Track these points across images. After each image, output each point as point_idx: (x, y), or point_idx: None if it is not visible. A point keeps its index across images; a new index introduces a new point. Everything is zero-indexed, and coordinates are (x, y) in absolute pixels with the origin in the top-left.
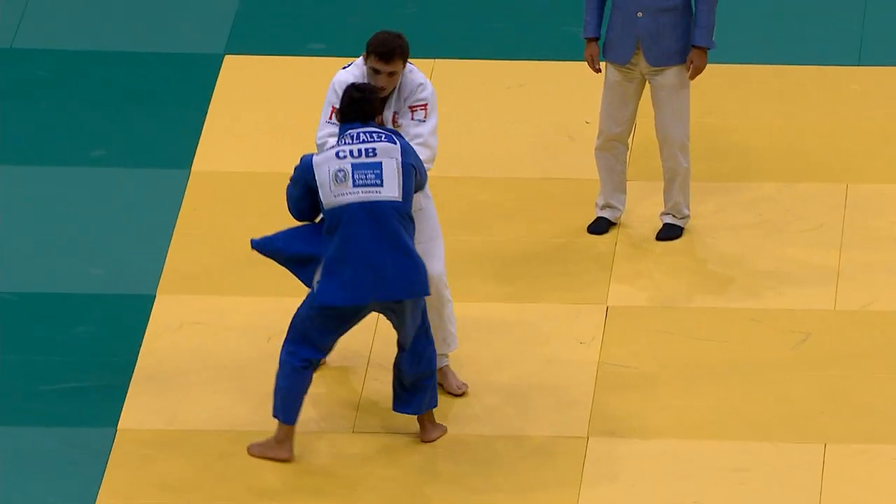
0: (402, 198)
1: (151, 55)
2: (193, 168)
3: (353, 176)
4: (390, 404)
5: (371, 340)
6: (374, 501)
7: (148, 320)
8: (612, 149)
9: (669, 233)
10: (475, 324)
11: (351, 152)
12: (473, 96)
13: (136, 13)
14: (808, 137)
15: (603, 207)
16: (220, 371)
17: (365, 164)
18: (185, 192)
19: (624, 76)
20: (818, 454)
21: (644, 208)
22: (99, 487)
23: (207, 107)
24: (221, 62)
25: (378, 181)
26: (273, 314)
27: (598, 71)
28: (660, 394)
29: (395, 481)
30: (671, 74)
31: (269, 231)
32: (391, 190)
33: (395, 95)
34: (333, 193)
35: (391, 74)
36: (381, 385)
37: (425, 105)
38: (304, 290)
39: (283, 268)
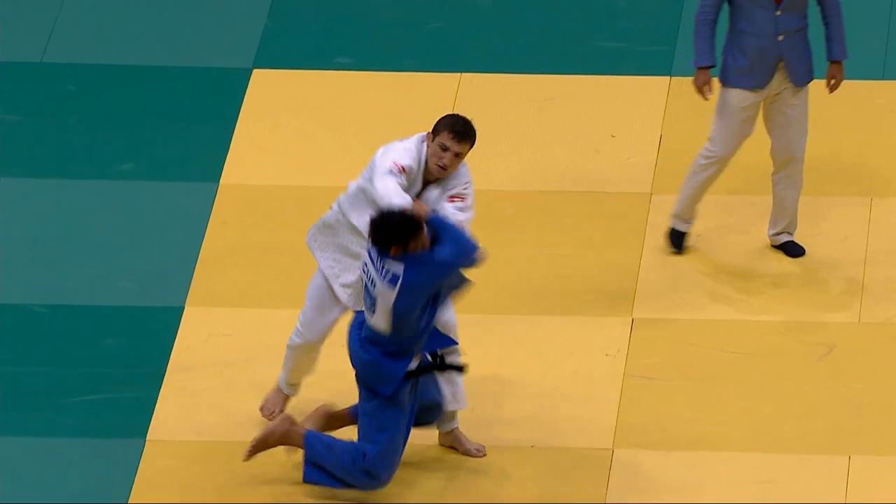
0: (391, 332)
1: (180, 69)
2: (222, 181)
3: (363, 288)
4: None
5: None
6: None
7: (176, 333)
8: (719, 171)
9: (795, 250)
10: (500, 337)
11: (364, 267)
12: (500, 110)
13: (164, 28)
14: (833, 151)
15: (685, 221)
16: (248, 384)
17: (367, 289)
18: (214, 205)
19: (753, 102)
20: (843, 466)
21: (667, 221)
22: (128, 499)
23: (236, 120)
24: (250, 76)
25: (371, 309)
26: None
27: (707, 99)
28: (685, 406)
29: (413, 486)
30: (804, 93)
31: (297, 242)
32: (380, 323)
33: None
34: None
35: (457, 155)
36: None
37: (465, 198)
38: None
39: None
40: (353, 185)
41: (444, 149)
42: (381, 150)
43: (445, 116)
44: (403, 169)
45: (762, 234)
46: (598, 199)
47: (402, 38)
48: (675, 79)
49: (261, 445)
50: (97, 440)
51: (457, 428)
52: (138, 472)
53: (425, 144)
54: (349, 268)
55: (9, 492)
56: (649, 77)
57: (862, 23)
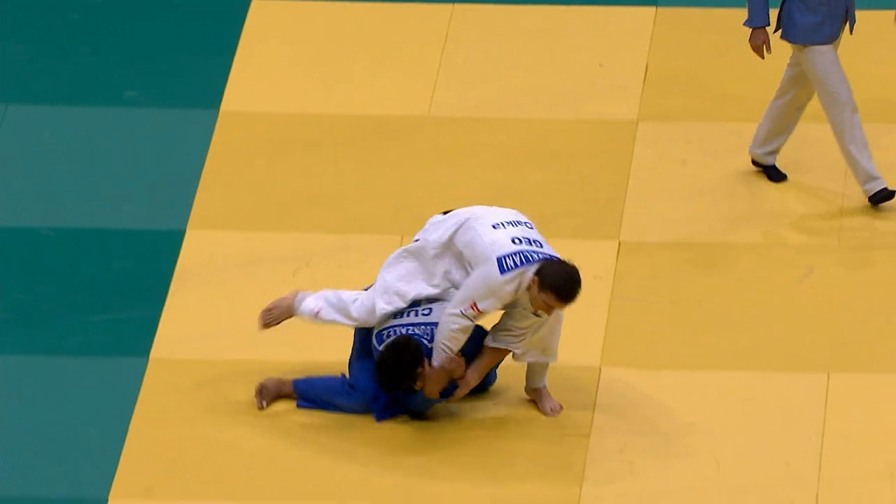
0: None
1: (177, 1)
2: (222, 108)
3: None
4: None
5: None
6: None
7: (178, 255)
8: (854, 109)
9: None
10: None
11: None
12: (492, 41)
13: None
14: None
15: (869, 180)
16: (248, 303)
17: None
18: (215, 132)
19: (831, 47)
20: (822, 383)
21: (657, 147)
22: (132, 414)
23: (236, 48)
24: (249, 5)
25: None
26: (299, 249)
27: (763, 58)
28: (671, 326)
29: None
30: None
31: (293, 167)
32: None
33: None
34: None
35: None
36: None
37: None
38: (330, 228)
39: (308, 204)
40: (436, 233)
41: (549, 306)
42: (482, 248)
43: (554, 268)
44: (479, 312)
45: (745, 160)
46: (586, 126)
47: None
48: (660, 9)
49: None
50: (101, 358)
51: (545, 387)
52: (142, 389)
53: (527, 280)
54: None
55: (14, 409)
56: (636, 7)
57: None
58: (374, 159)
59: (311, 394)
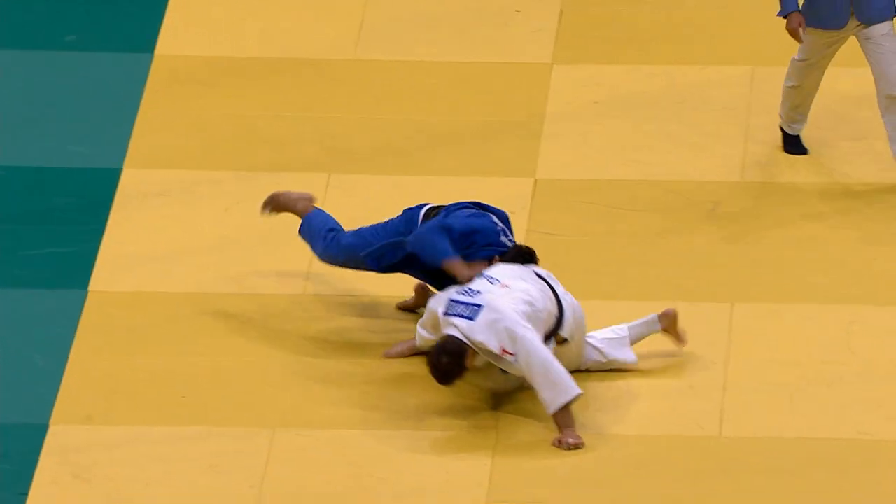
0: None
1: None
2: (157, 52)
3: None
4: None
5: None
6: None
7: (115, 192)
8: (808, 101)
9: None
10: (406, 197)
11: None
12: None
13: None
14: (719, 16)
15: (792, 124)
16: (182, 239)
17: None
18: (150, 74)
19: (830, 42)
20: (727, 313)
21: (570, 89)
22: (72, 344)
23: None
24: None
25: None
26: (232, 186)
27: (802, 41)
28: (583, 258)
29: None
30: (882, 27)
31: (228, 109)
32: None
33: None
34: None
35: None
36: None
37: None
38: (261, 166)
39: (240, 144)
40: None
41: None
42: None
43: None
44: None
45: (656, 100)
46: (504, 69)
47: None
48: None
49: (274, 202)
50: (42, 291)
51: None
52: (81, 320)
53: None
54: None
55: None
56: None
57: None
58: (303, 101)
59: (312, 225)
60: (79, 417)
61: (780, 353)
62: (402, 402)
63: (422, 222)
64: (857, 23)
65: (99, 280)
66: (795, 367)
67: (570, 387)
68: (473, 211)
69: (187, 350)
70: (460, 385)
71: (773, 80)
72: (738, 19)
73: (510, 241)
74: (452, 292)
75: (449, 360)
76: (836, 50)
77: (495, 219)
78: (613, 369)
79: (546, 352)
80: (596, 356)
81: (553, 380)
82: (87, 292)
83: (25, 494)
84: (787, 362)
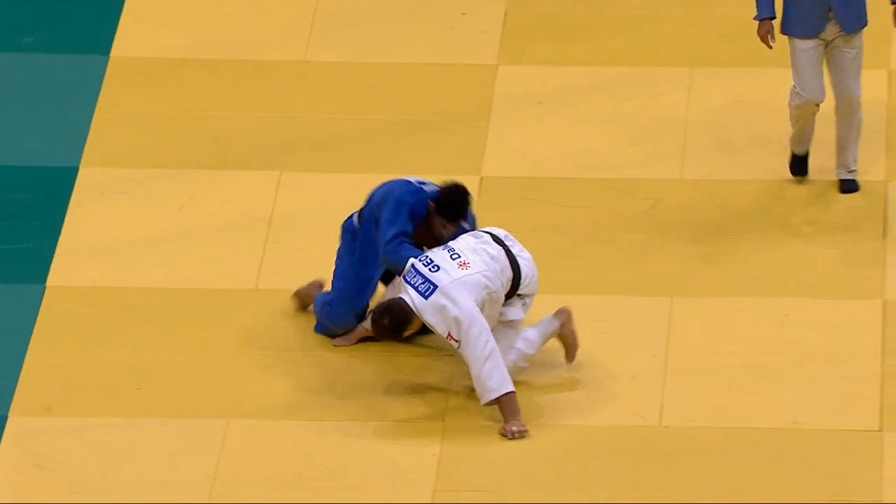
0: None
1: None
2: (112, 53)
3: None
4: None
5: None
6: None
7: (72, 190)
8: (812, 120)
9: (852, 186)
10: (355, 193)
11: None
12: None
13: None
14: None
15: (800, 145)
16: (138, 236)
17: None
18: (105, 76)
19: (812, 46)
20: (667, 306)
21: (515, 89)
22: (30, 338)
23: None
24: None
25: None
26: (185, 185)
27: (772, 46)
28: (532, 253)
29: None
30: (858, 38)
31: (183, 109)
32: None
33: None
34: None
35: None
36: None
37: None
38: (213, 165)
39: (193, 143)
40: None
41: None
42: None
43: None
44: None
45: (599, 100)
46: (451, 69)
47: None
48: None
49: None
50: (0, 285)
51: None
52: (39, 314)
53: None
54: None
55: None
56: None
57: None
58: (255, 101)
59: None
60: (38, 409)
61: (717, 345)
62: (353, 393)
63: (359, 221)
64: (838, 30)
65: (56, 275)
66: (733, 359)
67: (503, 384)
68: (391, 193)
69: (143, 343)
70: (409, 376)
71: (711, 81)
72: (677, 21)
73: (426, 185)
74: (418, 259)
75: (390, 323)
76: (821, 56)
77: (404, 184)
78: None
79: (488, 347)
80: (515, 356)
81: (489, 374)
82: (44, 287)
83: None
84: (724, 354)
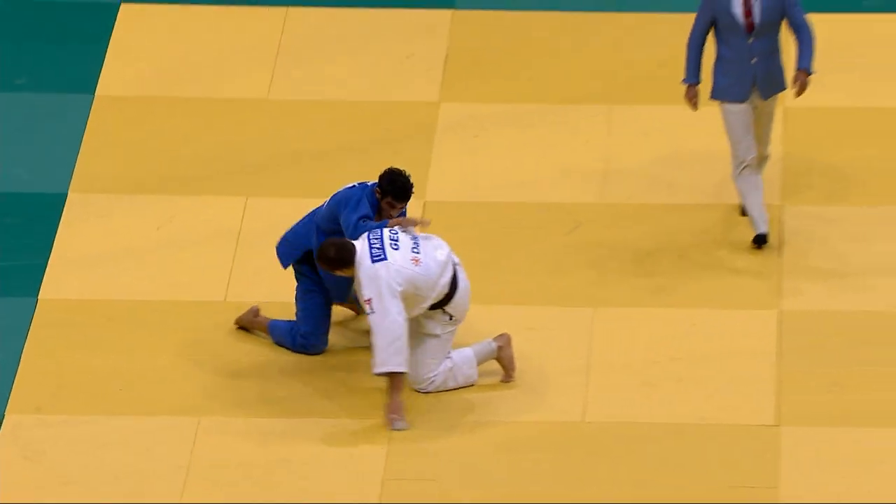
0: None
1: (55, 3)
2: (97, 92)
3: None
4: None
5: None
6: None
7: (62, 213)
8: (755, 173)
9: (762, 241)
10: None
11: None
12: (321, 38)
13: None
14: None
15: (759, 223)
16: (122, 254)
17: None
18: (91, 112)
19: (742, 108)
20: (589, 316)
21: (455, 124)
22: (24, 345)
23: (108, 41)
24: (119, 7)
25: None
26: (162, 208)
27: (696, 109)
28: (467, 268)
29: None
30: (773, 100)
31: (165, 141)
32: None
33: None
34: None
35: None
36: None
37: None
38: (186, 191)
39: (168, 171)
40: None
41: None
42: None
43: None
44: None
45: (529, 134)
46: (398, 106)
47: None
48: (456, 11)
49: (240, 323)
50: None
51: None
52: (31, 324)
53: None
54: None
55: None
56: (436, 10)
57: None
58: (224, 135)
59: (278, 333)
60: (30, 408)
61: (634, 350)
62: (312, 393)
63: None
64: (759, 96)
65: (48, 289)
66: (647, 362)
67: (400, 362)
68: (351, 191)
69: (124, 349)
70: (361, 379)
71: (627, 117)
72: (595, 64)
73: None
74: (390, 230)
75: (335, 254)
76: (751, 117)
77: (361, 184)
78: (458, 387)
79: (400, 327)
80: (447, 369)
81: (389, 350)
82: (37, 300)
83: None
84: (640, 358)
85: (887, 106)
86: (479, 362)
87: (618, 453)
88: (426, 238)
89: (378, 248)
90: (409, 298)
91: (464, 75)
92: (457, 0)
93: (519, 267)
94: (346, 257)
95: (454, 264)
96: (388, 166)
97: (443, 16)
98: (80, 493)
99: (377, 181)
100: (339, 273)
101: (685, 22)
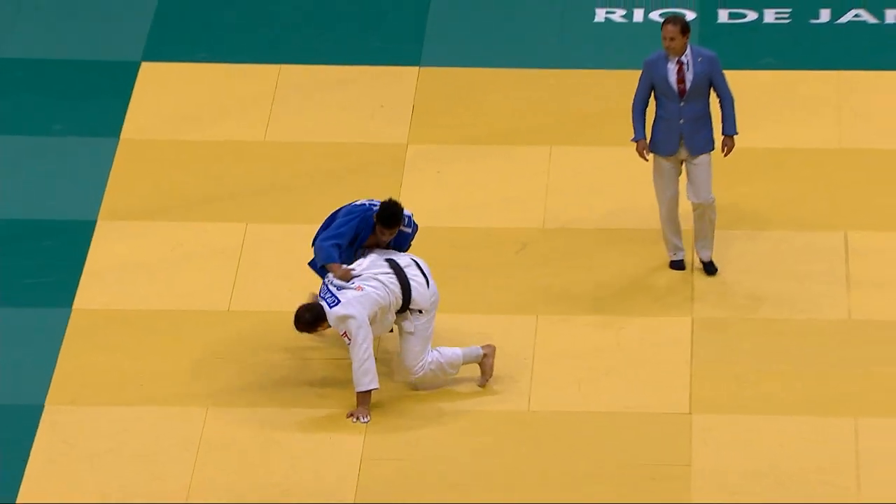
0: None
1: (87, 62)
2: (122, 136)
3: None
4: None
5: None
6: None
7: (92, 235)
8: (673, 214)
9: (709, 269)
10: (302, 239)
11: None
12: (308, 90)
13: (71, 28)
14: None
15: (676, 252)
16: (142, 271)
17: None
18: (116, 152)
19: (670, 162)
20: (533, 322)
21: (420, 163)
22: (60, 347)
23: (131, 93)
24: (139, 66)
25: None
26: (176, 233)
27: (647, 160)
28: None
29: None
30: (705, 157)
31: (171, 182)
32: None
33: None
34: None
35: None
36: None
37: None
38: (195, 219)
39: (180, 204)
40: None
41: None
42: None
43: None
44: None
45: (481, 171)
46: (371, 147)
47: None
48: (422, 68)
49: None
50: (38, 309)
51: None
52: (67, 330)
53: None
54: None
55: None
56: (404, 67)
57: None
58: (227, 172)
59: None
60: (65, 400)
61: (570, 351)
62: (302, 387)
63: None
64: (687, 153)
65: (80, 301)
66: (581, 361)
67: (371, 381)
68: (352, 207)
69: (144, 351)
70: (347, 374)
71: (566, 157)
72: (540, 112)
73: (376, 204)
74: (330, 282)
75: (310, 317)
76: (678, 169)
77: (361, 205)
78: (443, 381)
79: (368, 351)
80: (437, 363)
81: (362, 370)
82: (71, 310)
83: (27, 455)
84: (575, 357)
85: (769, 147)
86: (465, 363)
87: (557, 436)
88: (367, 264)
89: (331, 297)
90: (378, 312)
91: (428, 121)
92: (422, 58)
93: (474, 281)
94: (320, 314)
95: (398, 271)
96: (366, 197)
97: (411, 72)
98: (107, 468)
99: (377, 209)
100: (317, 330)
101: (617, 77)
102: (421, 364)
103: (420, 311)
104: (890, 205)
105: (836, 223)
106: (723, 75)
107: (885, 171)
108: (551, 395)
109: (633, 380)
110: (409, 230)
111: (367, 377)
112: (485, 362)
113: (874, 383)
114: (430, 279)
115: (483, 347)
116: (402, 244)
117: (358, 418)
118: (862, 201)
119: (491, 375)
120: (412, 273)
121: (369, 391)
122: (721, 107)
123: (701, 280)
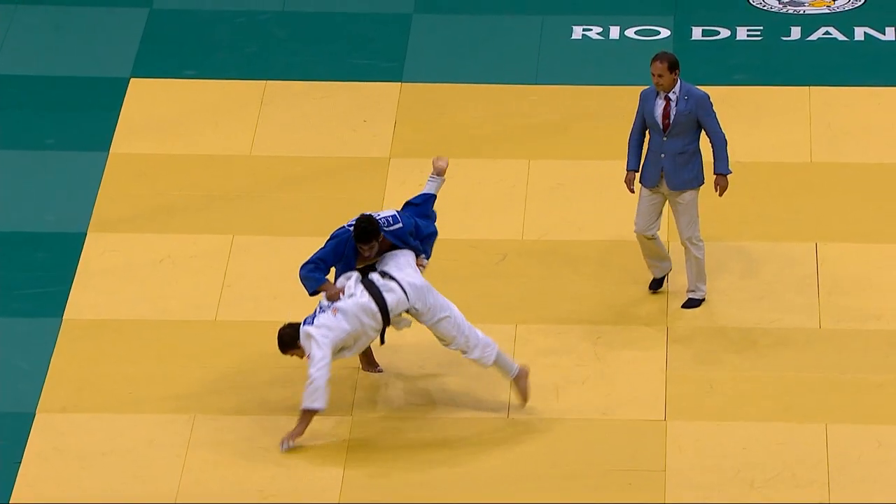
0: None
1: (78, 79)
2: (111, 150)
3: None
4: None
5: None
6: None
7: (82, 248)
8: (649, 240)
9: (692, 303)
10: (295, 252)
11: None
12: (292, 104)
13: (62, 45)
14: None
15: (652, 270)
16: (130, 282)
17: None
18: (106, 166)
19: (652, 193)
20: (512, 331)
21: (403, 176)
22: (51, 356)
23: (120, 109)
24: (128, 83)
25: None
26: (163, 245)
27: (633, 192)
28: None
29: None
30: (686, 195)
31: (159, 193)
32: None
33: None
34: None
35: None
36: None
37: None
38: (182, 230)
39: (166, 216)
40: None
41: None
42: None
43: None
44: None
45: (458, 183)
46: (355, 161)
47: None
48: (404, 84)
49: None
50: (29, 319)
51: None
52: (57, 339)
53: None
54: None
55: None
56: (386, 83)
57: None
58: (214, 185)
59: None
60: (57, 407)
61: (548, 360)
62: (287, 395)
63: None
64: (668, 188)
65: (71, 311)
66: (559, 369)
67: (315, 401)
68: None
69: (133, 360)
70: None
71: (545, 170)
72: (516, 126)
73: (380, 216)
74: (320, 307)
75: (287, 338)
76: (660, 202)
77: (348, 225)
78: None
79: (319, 370)
80: (463, 345)
81: (312, 388)
82: (62, 320)
83: (19, 461)
84: (553, 366)
85: (742, 161)
86: (496, 363)
87: (535, 443)
88: (355, 283)
89: (311, 316)
90: (361, 327)
91: (409, 136)
92: (404, 74)
93: (455, 291)
94: (296, 335)
95: (372, 288)
96: (347, 210)
97: (393, 88)
98: (97, 473)
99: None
100: (292, 352)
101: (594, 92)
102: (470, 342)
103: (416, 309)
104: (859, 217)
105: (807, 234)
106: (713, 115)
107: (855, 184)
108: (530, 403)
109: (609, 387)
110: (397, 226)
111: (312, 396)
112: (520, 386)
113: (844, 390)
114: (404, 284)
115: (520, 367)
116: (408, 243)
117: (284, 442)
118: (832, 213)
119: (527, 399)
120: (385, 286)
121: (312, 411)
122: (712, 146)
123: (676, 291)
